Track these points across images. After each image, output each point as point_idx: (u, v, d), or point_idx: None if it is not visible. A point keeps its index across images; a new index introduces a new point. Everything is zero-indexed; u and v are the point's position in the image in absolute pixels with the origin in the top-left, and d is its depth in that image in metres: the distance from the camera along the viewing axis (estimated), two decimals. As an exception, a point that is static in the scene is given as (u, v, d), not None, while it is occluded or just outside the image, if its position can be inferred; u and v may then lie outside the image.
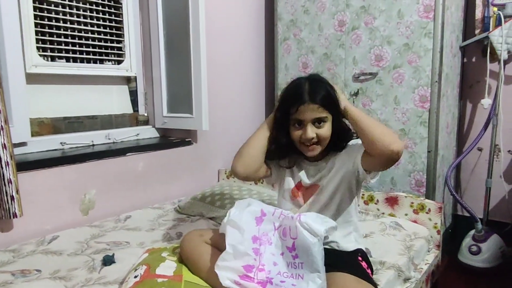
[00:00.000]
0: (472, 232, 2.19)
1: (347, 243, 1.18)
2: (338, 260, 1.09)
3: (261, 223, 1.11)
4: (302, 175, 1.24)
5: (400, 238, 1.45)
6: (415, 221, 1.60)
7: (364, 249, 1.23)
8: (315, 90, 1.11)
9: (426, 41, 1.88)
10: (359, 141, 1.14)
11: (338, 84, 2.17)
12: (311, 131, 1.11)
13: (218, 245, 1.13)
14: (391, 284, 1.20)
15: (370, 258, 1.25)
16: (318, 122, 1.11)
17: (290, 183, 1.26)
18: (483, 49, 2.27)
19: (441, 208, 1.55)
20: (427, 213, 1.58)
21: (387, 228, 1.53)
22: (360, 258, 1.14)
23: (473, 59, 2.36)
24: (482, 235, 2.11)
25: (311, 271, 1.02)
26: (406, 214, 1.64)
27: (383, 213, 1.71)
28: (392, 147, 1.02)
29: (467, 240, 2.19)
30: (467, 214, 2.21)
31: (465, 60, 2.37)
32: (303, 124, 1.12)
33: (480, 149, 2.37)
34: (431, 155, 1.93)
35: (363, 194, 1.78)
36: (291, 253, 1.06)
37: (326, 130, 1.13)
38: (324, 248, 1.03)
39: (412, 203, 1.62)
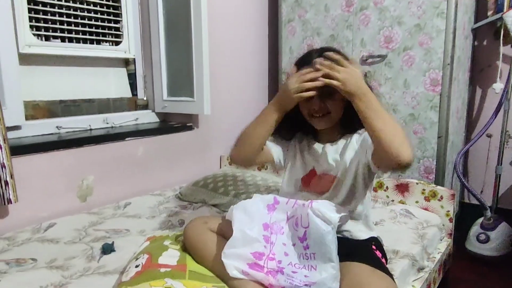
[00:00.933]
0: (480, 220, 2.13)
1: (360, 231, 1.12)
2: (352, 250, 1.03)
3: (273, 211, 1.05)
4: (315, 160, 1.16)
5: (412, 226, 1.39)
6: (426, 209, 1.55)
7: (377, 237, 1.17)
8: (327, 56, 1.02)
9: (438, 21, 1.80)
10: None
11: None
12: (319, 101, 1.04)
13: (224, 233, 1.07)
14: (405, 273, 1.14)
15: (383, 247, 1.19)
16: (327, 91, 1.02)
17: (299, 170, 1.18)
18: (495, 31, 2.18)
19: (454, 196, 1.49)
20: (439, 200, 1.52)
21: (398, 216, 1.48)
22: (374, 247, 1.08)
23: (485, 42, 2.28)
24: (491, 223, 2.05)
25: (324, 261, 0.95)
26: (417, 202, 1.58)
27: (392, 200, 1.65)
28: (399, 160, 0.88)
29: (475, 228, 2.14)
30: (474, 202, 2.15)
31: (476, 43, 2.29)
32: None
33: (489, 136, 2.30)
34: (442, 141, 1.87)
35: (371, 181, 1.71)
36: (302, 243, 1.00)
37: (336, 101, 1.04)
38: (338, 238, 0.97)
39: (424, 190, 1.56)
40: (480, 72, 2.31)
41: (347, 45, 2.09)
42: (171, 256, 1.04)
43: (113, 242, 1.26)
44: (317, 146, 1.16)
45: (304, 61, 1.07)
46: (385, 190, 1.69)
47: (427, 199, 1.56)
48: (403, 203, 1.59)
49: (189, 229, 1.11)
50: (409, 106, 1.93)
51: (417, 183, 1.59)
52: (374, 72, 2.01)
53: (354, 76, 0.94)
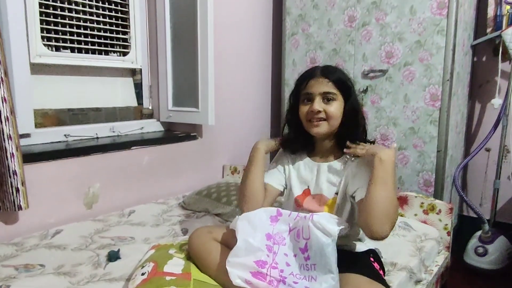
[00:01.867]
0: (479, 233, 2.16)
1: (359, 244, 1.16)
2: (351, 261, 1.06)
3: (276, 222, 1.08)
4: (309, 180, 1.17)
5: (411, 239, 1.43)
6: (424, 222, 1.58)
7: (375, 250, 1.20)
8: (329, 68, 1.11)
9: (438, 38, 1.85)
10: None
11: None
12: (318, 104, 1.07)
13: (228, 243, 1.10)
14: (403, 286, 1.17)
15: (381, 259, 1.22)
16: (327, 98, 1.08)
17: (295, 189, 1.19)
18: (494, 48, 2.23)
19: (452, 209, 1.52)
20: (437, 213, 1.56)
21: (397, 229, 1.51)
22: (372, 259, 1.11)
23: (484, 58, 2.33)
24: (489, 236, 2.08)
25: (324, 272, 0.99)
26: (415, 215, 1.61)
27: (391, 213, 1.68)
28: (372, 234, 0.97)
29: (473, 242, 2.17)
30: (472, 215, 2.18)
31: (475, 59, 2.34)
32: (312, 99, 1.09)
33: (488, 150, 2.34)
34: (441, 155, 1.90)
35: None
36: (304, 254, 1.03)
37: (334, 108, 1.08)
38: (337, 249, 1.00)
39: (423, 203, 1.59)
40: (479, 88, 2.35)
41: (349, 59, 2.14)
42: (176, 264, 1.08)
43: (118, 250, 1.29)
44: (312, 164, 1.18)
45: (305, 76, 1.12)
46: (384, 203, 1.72)
47: (425, 212, 1.59)
48: (402, 216, 1.63)
49: (193, 238, 1.14)
50: (409, 120, 1.97)
51: (415, 196, 1.62)
52: (375, 86, 2.05)
53: (377, 147, 1.05)
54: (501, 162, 2.12)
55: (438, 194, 1.92)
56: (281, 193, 1.24)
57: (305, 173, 1.18)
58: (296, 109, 1.14)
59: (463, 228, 2.41)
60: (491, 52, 2.28)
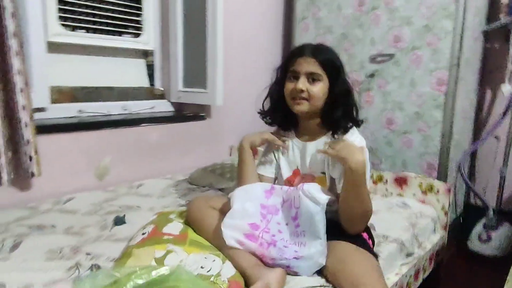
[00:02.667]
0: (484, 220, 2.17)
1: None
2: (340, 231, 1.10)
3: (270, 196, 1.14)
4: (297, 160, 1.21)
5: (406, 216, 1.46)
6: (423, 202, 1.60)
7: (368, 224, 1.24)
8: (320, 49, 1.13)
9: (447, 23, 1.84)
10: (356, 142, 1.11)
11: (354, 65, 2.16)
12: (302, 83, 1.10)
13: (224, 211, 1.15)
14: (392, 256, 1.21)
15: (373, 232, 1.26)
16: (312, 78, 1.10)
17: (284, 171, 1.23)
18: (506, 34, 2.20)
19: (450, 190, 1.54)
20: (435, 194, 1.58)
21: (394, 207, 1.54)
22: (362, 229, 1.15)
23: (496, 45, 2.30)
24: (493, 223, 2.08)
25: (313, 238, 1.04)
26: (414, 194, 1.63)
27: (391, 193, 1.71)
28: (353, 229, 1.08)
29: (478, 228, 2.17)
30: (480, 204, 2.18)
31: (487, 45, 2.31)
32: (297, 77, 1.11)
33: (497, 138, 2.32)
34: (445, 139, 1.91)
35: (372, 174, 1.78)
36: (294, 222, 1.08)
37: (318, 88, 1.10)
38: (327, 219, 1.05)
39: (421, 183, 1.61)
40: (490, 74, 2.33)
41: (357, 43, 2.15)
42: (174, 227, 1.14)
43: (124, 215, 1.37)
44: (299, 144, 1.21)
45: (295, 53, 1.15)
46: (384, 183, 1.75)
47: (424, 192, 1.61)
48: (401, 196, 1.65)
49: (192, 205, 1.21)
50: (415, 105, 1.98)
51: (415, 177, 1.64)
52: (382, 71, 2.06)
53: (348, 149, 1.03)
54: (508, 150, 2.10)
55: (441, 178, 1.92)
56: (275, 179, 1.28)
57: (293, 154, 1.22)
58: (282, 83, 1.17)
59: (470, 217, 2.40)
60: (503, 38, 2.25)
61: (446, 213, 1.56)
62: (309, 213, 1.04)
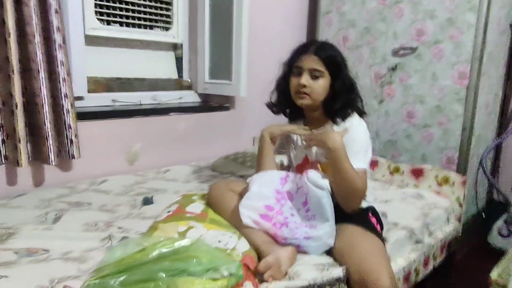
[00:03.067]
0: (505, 216, 2.16)
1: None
2: (349, 215, 1.17)
3: (285, 183, 1.23)
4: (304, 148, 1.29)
5: (419, 206, 1.50)
6: (438, 193, 1.63)
7: (380, 212, 1.30)
8: (322, 47, 1.21)
9: (470, 16, 1.84)
10: (354, 127, 1.19)
11: (376, 58, 2.19)
12: (305, 79, 1.19)
13: (242, 194, 1.25)
14: (401, 242, 1.27)
15: (385, 220, 1.32)
16: (314, 74, 1.19)
17: (294, 160, 1.33)
18: (536, 27, 2.16)
19: (465, 182, 1.56)
20: (451, 186, 1.61)
21: (408, 197, 1.58)
22: (370, 214, 1.22)
23: (525, 38, 2.25)
24: (514, 218, 2.07)
25: (323, 221, 1.12)
26: (429, 186, 1.67)
27: (407, 184, 1.75)
28: (348, 206, 1.14)
29: (499, 223, 2.17)
30: (502, 200, 2.17)
31: (516, 39, 2.27)
32: (301, 73, 1.20)
33: (524, 133, 2.29)
34: (466, 133, 1.92)
35: (388, 165, 1.82)
36: (305, 207, 1.16)
37: (319, 84, 1.19)
38: (336, 204, 1.13)
39: (437, 175, 1.65)
40: (519, 69, 2.29)
41: (380, 36, 2.18)
42: (196, 207, 1.25)
43: (152, 196, 1.50)
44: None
45: (300, 50, 1.24)
46: (401, 174, 1.79)
47: (439, 184, 1.64)
48: (417, 187, 1.69)
49: (212, 188, 1.32)
50: (436, 98, 1.99)
51: (431, 169, 1.67)
52: (405, 64, 2.08)
53: (324, 134, 1.14)
54: (534, 145, 2.08)
55: (460, 172, 1.93)
56: (289, 167, 1.38)
57: (301, 143, 1.31)
58: (287, 77, 1.26)
59: (493, 213, 2.39)
60: (533, 32, 2.20)
61: (460, 205, 1.59)
62: (316, 198, 1.11)
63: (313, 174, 1.12)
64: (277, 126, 1.33)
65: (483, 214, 2.37)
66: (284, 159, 1.35)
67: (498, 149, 2.40)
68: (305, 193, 1.15)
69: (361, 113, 1.24)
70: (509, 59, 2.26)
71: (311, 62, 1.19)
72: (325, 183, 1.10)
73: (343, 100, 1.20)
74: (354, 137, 1.16)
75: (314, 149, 1.26)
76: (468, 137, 1.92)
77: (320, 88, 1.20)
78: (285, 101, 1.31)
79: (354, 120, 1.22)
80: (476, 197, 2.23)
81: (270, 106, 1.37)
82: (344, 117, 1.22)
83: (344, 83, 1.21)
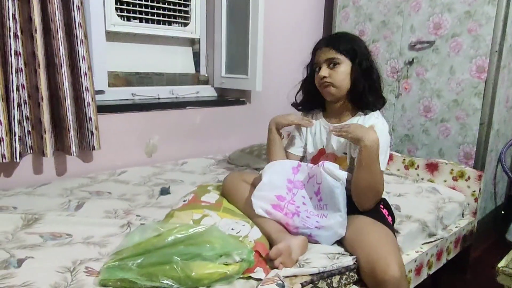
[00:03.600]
0: (525, 212, 2.12)
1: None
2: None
3: (297, 172, 1.24)
4: (323, 140, 1.30)
5: (434, 200, 1.50)
6: (453, 188, 1.62)
7: (393, 205, 1.31)
8: (334, 36, 1.23)
9: (489, 8, 1.81)
10: (378, 128, 1.17)
11: (393, 52, 2.18)
12: (324, 70, 1.20)
13: (255, 185, 1.27)
14: (413, 235, 1.27)
15: (398, 213, 1.33)
16: (332, 63, 1.20)
17: (310, 150, 1.34)
18: (560, 20, 2.10)
19: (481, 176, 1.55)
20: (466, 180, 1.59)
21: (423, 191, 1.58)
22: (381, 206, 1.23)
23: (548, 31, 2.19)
24: (533, 215, 2.03)
25: (334, 211, 1.13)
26: (445, 181, 1.66)
27: (422, 179, 1.75)
28: (362, 205, 1.15)
29: (517, 220, 2.13)
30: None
31: (538, 32, 2.21)
32: (320, 67, 1.22)
33: (545, 129, 2.24)
34: (483, 128, 1.89)
35: (404, 159, 1.81)
36: (317, 196, 1.18)
37: (339, 72, 1.19)
38: (349, 195, 1.14)
39: (452, 170, 1.64)
40: (541, 63, 2.23)
41: (397, 30, 2.16)
42: (211, 197, 1.29)
43: (169, 186, 1.54)
44: (326, 125, 1.30)
45: (315, 48, 1.26)
46: (416, 169, 1.78)
47: (455, 178, 1.63)
48: (432, 182, 1.68)
49: (227, 179, 1.35)
50: (453, 92, 1.97)
51: (446, 163, 1.66)
52: (422, 58, 2.07)
53: (362, 129, 1.11)
54: (555, 140, 2.03)
55: (478, 167, 1.91)
56: (303, 158, 1.39)
57: (319, 134, 1.32)
58: (311, 77, 1.28)
59: (511, 209, 2.35)
60: (557, 24, 2.14)
61: (476, 200, 1.58)
62: (330, 188, 1.13)
63: (329, 164, 1.14)
64: (283, 116, 1.34)
65: (502, 211, 2.33)
66: (296, 149, 1.36)
67: (519, 145, 2.35)
68: (318, 183, 1.17)
69: (381, 99, 1.24)
70: (531, 53, 2.20)
71: (325, 53, 1.20)
72: (341, 174, 1.11)
73: (365, 83, 1.19)
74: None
75: (335, 143, 1.27)
76: (486, 132, 1.89)
77: (341, 74, 1.20)
78: (311, 99, 1.33)
79: (379, 121, 1.21)
80: (495, 193, 2.19)
81: (296, 106, 1.38)
82: (373, 107, 1.22)
83: (363, 67, 1.20)
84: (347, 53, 1.20)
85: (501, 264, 0.98)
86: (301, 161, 1.33)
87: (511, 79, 2.03)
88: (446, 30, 1.97)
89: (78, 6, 1.53)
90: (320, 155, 1.31)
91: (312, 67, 1.29)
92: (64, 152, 1.61)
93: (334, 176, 1.12)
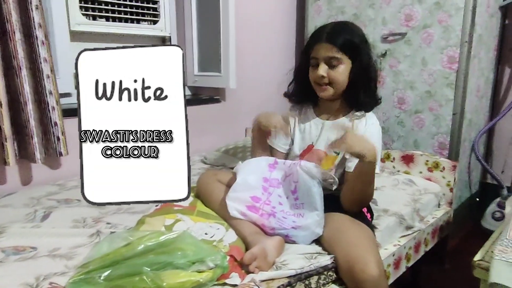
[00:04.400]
0: (498, 199, 2.16)
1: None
2: (339, 204, 1.17)
3: (273, 170, 1.21)
4: (312, 136, 1.26)
5: (410, 192, 1.50)
6: (429, 179, 1.63)
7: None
8: (336, 31, 1.13)
9: (458, -1, 1.83)
10: (373, 131, 1.17)
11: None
12: (322, 69, 1.13)
13: (230, 184, 1.24)
14: (391, 229, 1.27)
15: (375, 207, 1.32)
16: (332, 63, 1.12)
17: (298, 146, 1.28)
18: (526, 9, 2.15)
19: (455, 166, 1.56)
20: (441, 171, 1.61)
21: (399, 184, 1.58)
22: (360, 202, 1.21)
23: (515, 21, 2.24)
24: (507, 201, 2.08)
25: (311, 210, 1.11)
26: (420, 172, 1.67)
27: (398, 171, 1.75)
28: (350, 209, 1.13)
29: (492, 207, 2.18)
30: (496, 183, 2.18)
31: (506, 22, 2.26)
32: (318, 63, 1.14)
33: (516, 117, 2.29)
34: (456, 118, 1.91)
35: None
36: (293, 195, 1.15)
37: (339, 73, 1.13)
38: (327, 194, 1.12)
39: (427, 161, 1.64)
40: (510, 51, 2.28)
41: (369, 23, 2.15)
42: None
43: (142, 191, 1.49)
44: (318, 122, 1.26)
45: (313, 39, 1.17)
46: (392, 161, 1.79)
47: (430, 169, 1.64)
48: (408, 173, 1.69)
49: (201, 179, 1.31)
50: (426, 83, 1.98)
51: (421, 155, 1.67)
52: (394, 50, 2.07)
53: (360, 143, 1.00)
54: (525, 127, 2.08)
55: (452, 157, 1.93)
56: (287, 155, 1.33)
57: (310, 131, 1.27)
58: (305, 68, 1.20)
59: (487, 196, 2.40)
60: (524, 14, 2.19)
61: (451, 190, 1.59)
62: (306, 186, 1.11)
63: (306, 163, 1.11)
64: (265, 117, 1.21)
65: (477, 198, 2.38)
66: (281, 145, 1.31)
67: (491, 133, 2.40)
68: (294, 181, 1.14)
69: (377, 100, 1.21)
70: (499, 42, 2.25)
71: (326, 50, 1.11)
72: (317, 172, 1.09)
73: (364, 85, 1.14)
74: (373, 141, 1.08)
75: (325, 141, 1.22)
76: (459, 122, 1.91)
77: (341, 75, 1.13)
78: (304, 91, 1.25)
79: (374, 126, 1.18)
80: (470, 182, 2.23)
81: (289, 96, 1.31)
82: (364, 106, 1.18)
83: (363, 65, 1.14)
84: (349, 51, 1.12)
85: (477, 257, 0.98)
86: (286, 157, 1.29)
87: (481, 69, 2.06)
88: (417, 21, 1.97)
89: (37, 5, 1.45)
90: (309, 151, 1.27)
91: (307, 56, 1.19)
92: (28, 160, 1.53)
93: (311, 174, 1.10)
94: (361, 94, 1.17)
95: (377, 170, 1.11)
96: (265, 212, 1.12)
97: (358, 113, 1.21)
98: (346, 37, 1.13)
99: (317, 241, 1.11)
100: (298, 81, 1.28)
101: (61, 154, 1.56)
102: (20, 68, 1.40)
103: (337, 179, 1.18)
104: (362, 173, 1.07)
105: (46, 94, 1.49)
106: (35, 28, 1.45)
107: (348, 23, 1.19)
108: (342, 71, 1.14)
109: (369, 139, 1.04)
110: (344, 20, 1.20)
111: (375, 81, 1.20)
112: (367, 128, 1.18)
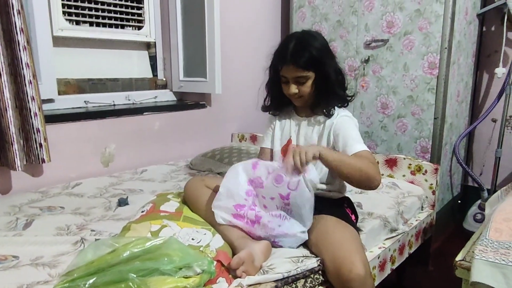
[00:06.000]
0: (479, 201, 2.22)
1: (337, 194, 1.26)
2: (325, 206, 1.18)
3: (256, 167, 1.20)
4: (291, 132, 1.30)
5: (393, 196, 1.53)
6: (412, 182, 1.66)
7: (356, 203, 1.31)
8: (298, 51, 1.17)
9: (437, 6, 1.88)
10: (345, 119, 1.21)
11: (349, 51, 2.21)
12: (292, 88, 1.21)
13: (217, 190, 1.24)
14: (376, 231, 1.28)
15: (360, 210, 1.34)
16: (300, 80, 1.20)
17: (279, 142, 1.33)
18: (502, 17, 2.22)
19: (437, 170, 1.60)
20: (423, 174, 1.64)
21: (383, 187, 1.61)
22: (345, 205, 1.23)
23: (492, 28, 2.31)
24: (487, 203, 2.13)
25: (300, 221, 1.10)
26: (404, 175, 1.70)
27: (382, 174, 1.78)
28: (370, 187, 1.10)
29: (473, 209, 2.23)
30: (477, 185, 2.23)
31: (484, 28, 2.33)
32: (288, 82, 1.21)
33: (494, 120, 2.36)
34: (438, 122, 1.96)
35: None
36: (283, 200, 1.13)
37: (307, 86, 1.21)
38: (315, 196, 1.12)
39: (410, 164, 1.68)
40: (488, 58, 2.35)
41: (352, 30, 2.20)
42: (171, 205, 1.24)
43: (127, 197, 1.47)
44: (297, 120, 1.31)
45: (279, 59, 1.22)
46: (376, 165, 1.81)
47: (413, 173, 1.67)
48: (391, 177, 1.72)
49: (188, 185, 1.30)
50: (408, 89, 2.03)
51: (404, 158, 1.70)
52: (377, 56, 2.11)
53: (308, 148, 1.05)
54: (503, 131, 2.14)
55: (434, 160, 1.98)
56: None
57: (289, 128, 1.31)
58: (277, 81, 1.26)
59: (468, 199, 2.45)
60: (499, 21, 2.26)
61: (433, 192, 1.62)
62: (303, 200, 1.07)
63: (312, 175, 1.09)
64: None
65: (458, 200, 2.43)
66: (268, 142, 1.35)
67: (470, 137, 2.46)
68: (290, 188, 1.10)
69: (346, 100, 1.26)
70: (477, 49, 2.32)
71: (293, 72, 1.18)
72: (317, 181, 1.11)
73: (329, 89, 1.21)
74: (347, 126, 1.19)
75: (302, 134, 1.28)
76: (440, 126, 1.96)
77: (309, 88, 1.21)
78: (280, 101, 1.32)
79: (345, 115, 1.24)
80: (451, 185, 2.28)
81: (267, 109, 1.37)
82: (337, 105, 1.24)
83: (325, 74, 1.20)
84: (312, 67, 1.18)
85: (458, 257, 1.01)
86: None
87: (461, 74, 2.12)
88: (398, 28, 2.02)
89: (19, 10, 1.43)
90: (287, 145, 1.28)
91: (275, 72, 1.26)
92: (8, 167, 1.49)
93: (312, 184, 1.09)
94: (329, 96, 1.23)
95: (364, 148, 1.14)
96: (249, 219, 1.12)
97: (331, 111, 1.25)
98: (308, 55, 1.18)
99: (304, 244, 1.12)
100: (273, 95, 1.33)
101: (43, 161, 1.53)
102: (1, 74, 1.38)
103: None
104: (330, 163, 1.07)
105: (28, 100, 1.47)
106: (16, 33, 1.43)
107: (307, 37, 1.23)
108: (310, 84, 1.21)
109: (344, 124, 1.19)
110: (306, 31, 1.25)
111: (341, 82, 1.26)
112: (339, 119, 1.23)
